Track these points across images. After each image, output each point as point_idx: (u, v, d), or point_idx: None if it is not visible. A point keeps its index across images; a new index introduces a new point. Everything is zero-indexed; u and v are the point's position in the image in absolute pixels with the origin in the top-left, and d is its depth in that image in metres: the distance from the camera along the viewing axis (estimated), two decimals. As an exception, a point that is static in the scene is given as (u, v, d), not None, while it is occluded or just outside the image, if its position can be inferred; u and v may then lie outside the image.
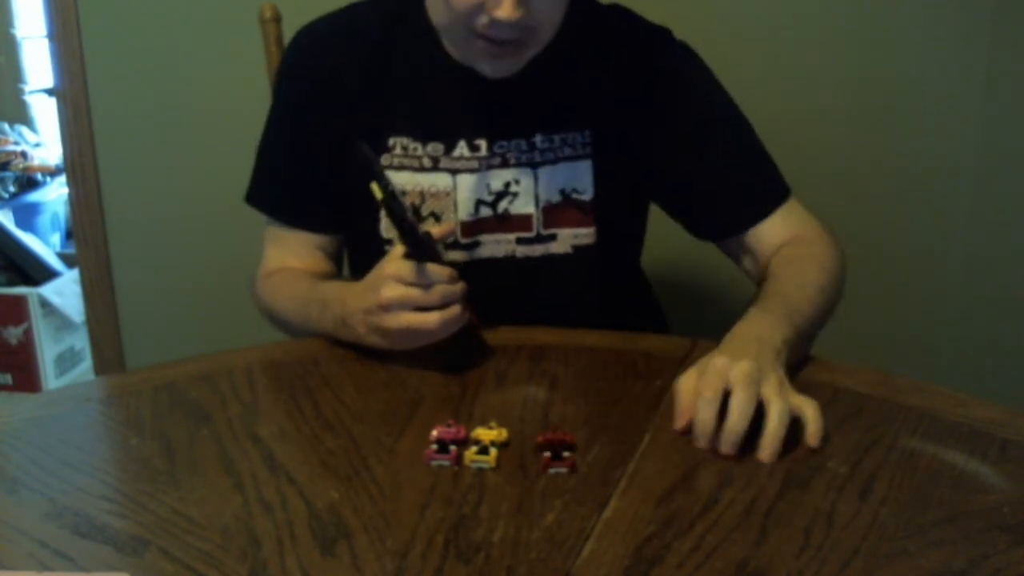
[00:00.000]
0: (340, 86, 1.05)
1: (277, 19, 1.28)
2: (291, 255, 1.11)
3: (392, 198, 0.86)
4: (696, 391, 0.78)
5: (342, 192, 1.07)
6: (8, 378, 2.66)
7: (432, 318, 0.87)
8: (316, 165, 1.07)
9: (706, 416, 0.77)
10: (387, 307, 0.88)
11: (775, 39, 1.66)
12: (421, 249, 0.88)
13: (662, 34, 1.08)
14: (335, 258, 1.14)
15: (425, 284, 0.87)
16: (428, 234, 0.90)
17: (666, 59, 1.06)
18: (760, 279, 1.02)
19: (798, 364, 0.92)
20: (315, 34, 1.08)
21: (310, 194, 1.09)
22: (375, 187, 0.85)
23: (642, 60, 1.06)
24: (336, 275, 1.13)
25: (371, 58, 1.05)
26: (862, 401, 0.87)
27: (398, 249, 0.89)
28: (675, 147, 1.05)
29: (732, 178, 1.06)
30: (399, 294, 0.87)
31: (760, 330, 0.85)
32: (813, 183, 1.68)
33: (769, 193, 1.06)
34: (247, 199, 1.13)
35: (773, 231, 1.05)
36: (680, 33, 1.09)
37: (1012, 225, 1.69)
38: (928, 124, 1.68)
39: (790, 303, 0.91)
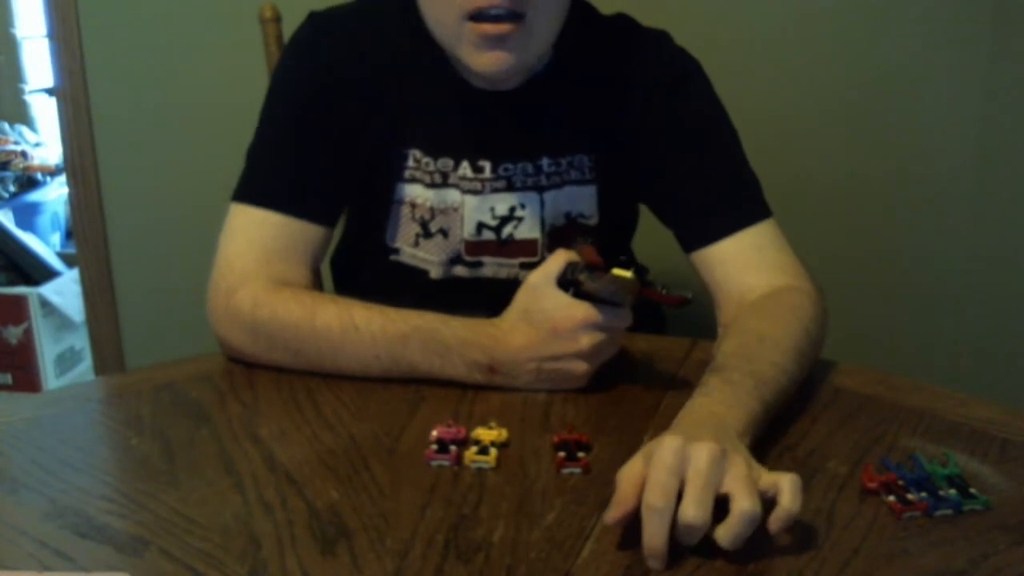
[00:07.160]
0: (356, 82, 1.00)
1: (277, 19, 1.28)
2: (276, 256, 0.96)
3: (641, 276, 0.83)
4: (640, 479, 0.64)
5: (347, 189, 1.03)
6: (8, 378, 2.66)
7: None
8: (326, 154, 1.01)
9: (655, 530, 0.62)
10: (587, 355, 0.87)
11: (775, 40, 1.66)
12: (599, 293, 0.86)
13: (661, 43, 1.06)
14: (318, 262, 1.02)
15: (616, 328, 0.87)
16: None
17: (664, 70, 1.03)
18: (727, 322, 0.94)
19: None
20: (334, 21, 1.02)
21: (317, 182, 1.01)
22: (622, 272, 0.81)
23: (642, 74, 1.03)
24: (313, 287, 1.00)
25: (390, 62, 1.01)
26: (862, 401, 0.87)
27: (564, 298, 0.86)
28: (667, 156, 1.03)
29: (710, 188, 1.01)
30: (599, 340, 0.86)
31: (721, 407, 0.74)
32: (813, 184, 1.69)
33: (744, 209, 1.00)
34: (241, 198, 0.99)
35: (743, 255, 0.98)
36: (680, 35, 1.08)
37: (1012, 225, 1.69)
38: (928, 124, 1.68)
39: (759, 372, 0.80)
